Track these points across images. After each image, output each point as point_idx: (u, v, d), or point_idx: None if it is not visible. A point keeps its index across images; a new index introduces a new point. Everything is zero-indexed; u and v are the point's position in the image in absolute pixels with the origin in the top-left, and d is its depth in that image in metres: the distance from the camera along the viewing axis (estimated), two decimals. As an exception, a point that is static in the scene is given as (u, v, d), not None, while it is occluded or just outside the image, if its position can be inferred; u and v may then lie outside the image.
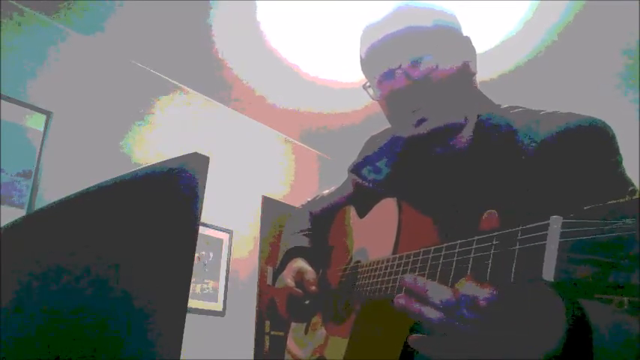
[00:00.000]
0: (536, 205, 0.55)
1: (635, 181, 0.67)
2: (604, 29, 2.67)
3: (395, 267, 0.67)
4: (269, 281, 3.44)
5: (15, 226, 0.61)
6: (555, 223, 0.40)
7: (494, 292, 0.45)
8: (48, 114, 2.55)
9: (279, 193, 3.71)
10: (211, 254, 3.13)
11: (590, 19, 2.61)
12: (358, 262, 0.85)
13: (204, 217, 2.87)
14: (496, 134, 0.76)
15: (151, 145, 2.98)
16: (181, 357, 0.44)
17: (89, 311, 0.48)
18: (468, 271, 0.49)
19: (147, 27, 2.72)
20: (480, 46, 2.67)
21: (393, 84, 0.77)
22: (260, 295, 3.35)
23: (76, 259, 0.51)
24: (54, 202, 0.56)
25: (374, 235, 0.85)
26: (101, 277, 0.49)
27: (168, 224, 0.48)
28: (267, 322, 3.36)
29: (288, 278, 0.96)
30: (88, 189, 0.54)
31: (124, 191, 0.53)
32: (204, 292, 3.02)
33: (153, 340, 0.46)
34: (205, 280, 3.05)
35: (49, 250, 0.54)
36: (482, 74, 0.85)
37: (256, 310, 3.30)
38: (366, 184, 0.94)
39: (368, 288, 0.74)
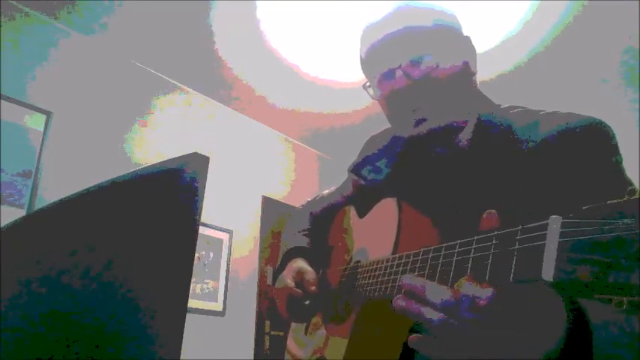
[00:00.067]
0: (535, 204, 0.55)
1: (635, 181, 0.67)
2: (604, 29, 2.67)
3: (395, 267, 0.67)
4: (269, 281, 3.44)
5: (15, 226, 0.60)
6: (555, 222, 0.40)
7: (494, 292, 0.45)
8: (48, 114, 2.55)
9: (279, 193, 3.71)
10: (211, 254, 3.13)
11: (590, 19, 2.61)
12: (358, 262, 0.85)
13: (204, 217, 2.87)
14: (496, 134, 0.76)
15: (151, 145, 2.98)
16: (181, 357, 0.44)
17: (89, 311, 0.48)
18: (468, 271, 0.49)
19: (147, 27, 2.72)
20: (480, 46, 2.66)
21: (393, 84, 0.77)
22: (260, 295, 3.35)
23: (76, 259, 0.51)
24: (54, 202, 0.56)
25: (374, 235, 0.85)
26: (101, 277, 0.49)
27: (169, 224, 0.48)
28: (267, 322, 3.36)
29: (288, 278, 0.96)
30: (88, 189, 0.54)
31: (124, 191, 0.53)
32: (204, 292, 3.02)
33: (153, 340, 0.46)
34: (205, 280, 3.05)
35: (49, 250, 0.54)
36: (482, 74, 0.85)
37: (256, 310, 3.30)
38: (366, 183, 0.94)
39: (368, 288, 0.74)
